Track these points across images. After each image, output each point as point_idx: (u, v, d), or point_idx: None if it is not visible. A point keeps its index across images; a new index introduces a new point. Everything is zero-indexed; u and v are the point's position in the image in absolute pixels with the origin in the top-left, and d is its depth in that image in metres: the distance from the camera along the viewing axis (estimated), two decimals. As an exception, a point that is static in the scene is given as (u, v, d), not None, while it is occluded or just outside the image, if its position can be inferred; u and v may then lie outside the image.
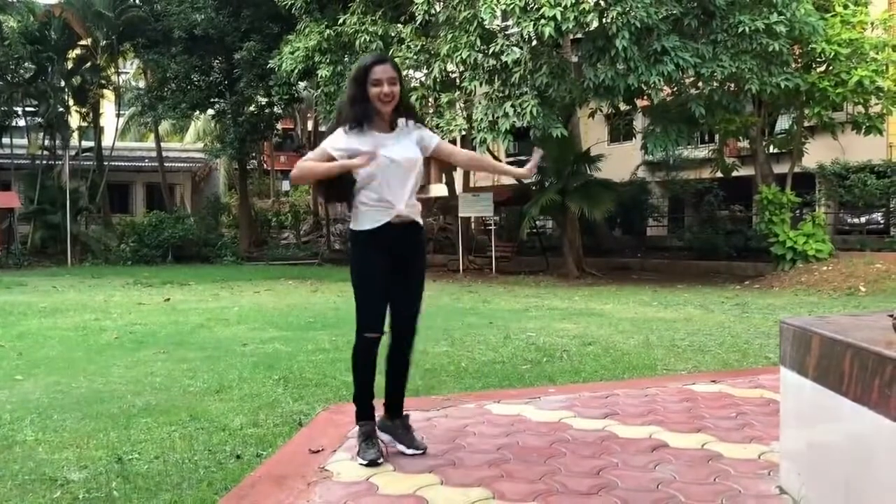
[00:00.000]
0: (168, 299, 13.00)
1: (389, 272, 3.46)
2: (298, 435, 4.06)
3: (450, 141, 17.42)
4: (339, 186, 3.49)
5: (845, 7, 15.74)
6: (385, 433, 3.61)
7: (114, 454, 3.83)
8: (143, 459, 3.75)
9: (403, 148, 3.45)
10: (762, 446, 3.65)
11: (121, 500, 3.20)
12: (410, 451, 3.54)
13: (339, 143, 3.41)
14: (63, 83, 28.22)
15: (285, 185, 49.50)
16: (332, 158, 3.38)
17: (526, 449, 3.68)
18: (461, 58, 15.47)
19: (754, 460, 3.47)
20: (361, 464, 3.38)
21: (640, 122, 23.27)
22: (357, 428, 3.56)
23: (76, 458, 3.79)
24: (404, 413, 3.68)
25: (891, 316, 2.57)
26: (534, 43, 15.73)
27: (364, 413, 3.55)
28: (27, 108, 28.87)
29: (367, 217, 3.43)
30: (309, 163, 3.47)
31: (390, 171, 3.41)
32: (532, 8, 14.48)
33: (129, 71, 36.14)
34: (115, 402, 4.99)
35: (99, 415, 4.66)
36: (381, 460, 3.39)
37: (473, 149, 20.97)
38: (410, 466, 3.40)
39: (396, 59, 16.11)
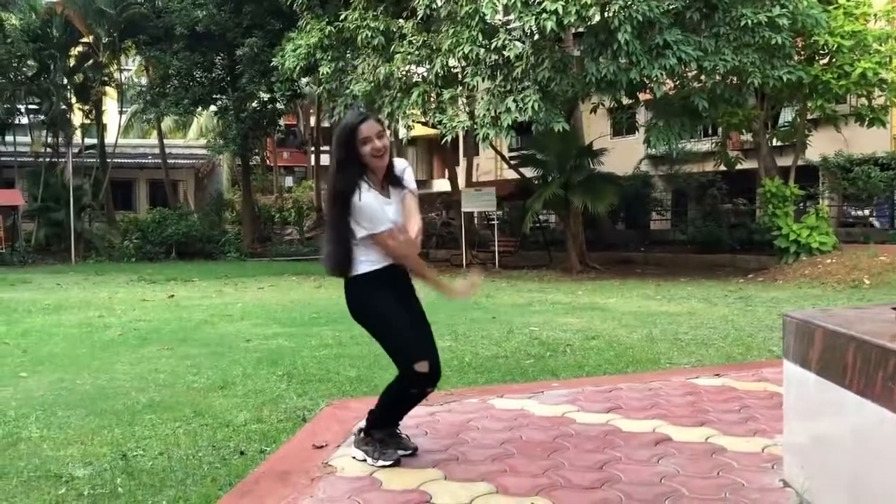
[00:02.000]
0: (172, 296, 13.02)
1: (407, 307, 3.46)
2: (302, 431, 4.07)
3: (452, 138, 17.43)
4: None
5: (848, -1, 15.69)
6: (359, 450, 3.55)
7: (118, 450, 3.84)
8: (147, 456, 3.76)
9: (399, 209, 3.43)
10: (766, 440, 3.65)
11: (125, 497, 3.21)
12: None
13: (361, 194, 3.30)
14: (65, 81, 28.23)
15: (288, 181, 49.56)
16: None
17: (529, 443, 3.68)
18: (463, 53, 15.44)
19: (758, 454, 3.47)
20: (383, 465, 3.34)
21: (642, 116, 23.24)
22: (363, 436, 3.51)
23: (81, 454, 3.80)
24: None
25: (894, 309, 2.57)
26: (535, 37, 15.70)
27: (382, 427, 3.52)
28: (30, 106, 28.90)
29: (373, 259, 3.38)
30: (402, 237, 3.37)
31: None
32: (534, 2, 14.45)
33: (132, 68, 36.13)
34: (119, 399, 5.01)
35: (103, 411, 4.67)
36: (399, 461, 3.40)
37: (476, 145, 21.01)
38: (414, 462, 3.41)
39: (398, 55, 16.37)
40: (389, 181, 3.43)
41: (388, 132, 3.44)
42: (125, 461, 3.67)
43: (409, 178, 3.50)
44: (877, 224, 22.15)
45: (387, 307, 3.39)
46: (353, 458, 3.47)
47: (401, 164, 3.47)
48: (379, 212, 3.30)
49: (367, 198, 3.29)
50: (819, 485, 2.77)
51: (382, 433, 3.47)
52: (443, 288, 3.52)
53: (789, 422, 3.14)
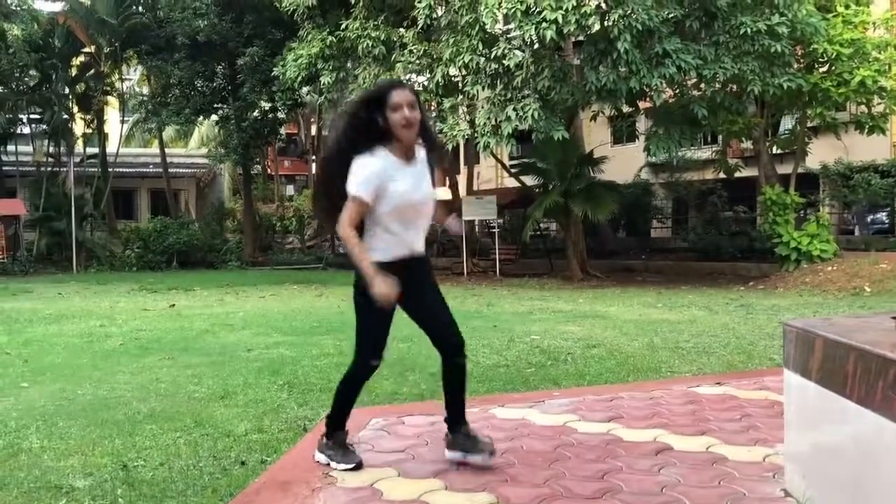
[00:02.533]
0: (173, 305, 13.02)
1: (402, 300, 3.29)
2: (303, 441, 4.06)
3: (453, 146, 17.44)
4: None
5: (847, 7, 15.73)
6: (456, 451, 3.49)
7: (119, 461, 3.83)
8: (148, 466, 3.75)
9: (424, 185, 3.29)
10: (767, 449, 3.64)
11: (126, 507, 3.20)
12: (483, 460, 3.42)
13: (369, 180, 3.16)
14: (67, 90, 28.33)
15: (289, 190, 49.61)
16: (366, 204, 3.18)
17: (530, 453, 3.68)
18: (463, 62, 15.49)
19: (759, 463, 3.47)
20: (346, 469, 3.39)
21: (642, 124, 23.27)
22: (326, 441, 3.54)
23: (81, 465, 3.79)
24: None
25: (894, 318, 2.57)
26: (535, 46, 15.75)
27: (341, 426, 3.55)
28: (32, 116, 29.01)
29: (382, 248, 3.26)
30: (353, 239, 3.19)
31: (409, 213, 3.26)
32: (533, 11, 14.50)
33: (133, 77, 36.24)
34: (120, 409, 5.00)
35: (104, 422, 4.66)
36: (362, 464, 3.44)
37: (477, 153, 21.04)
38: (415, 471, 3.41)
39: (399, 64, 16.42)
40: (423, 156, 3.36)
41: (416, 104, 3.21)
42: (126, 472, 3.67)
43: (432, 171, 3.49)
44: (857, 232, 22.21)
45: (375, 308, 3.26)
46: (318, 461, 3.52)
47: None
48: (373, 177, 3.13)
49: (372, 160, 3.15)
50: (820, 494, 2.77)
51: (341, 436, 3.52)
52: (371, 281, 3.16)
53: (790, 431, 3.13)
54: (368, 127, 3.21)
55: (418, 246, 3.38)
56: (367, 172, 3.17)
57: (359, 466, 3.40)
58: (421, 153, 3.37)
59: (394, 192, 3.20)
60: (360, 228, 3.25)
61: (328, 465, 3.46)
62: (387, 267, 3.20)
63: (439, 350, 3.51)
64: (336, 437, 3.52)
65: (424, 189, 3.31)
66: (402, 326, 3.52)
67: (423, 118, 3.26)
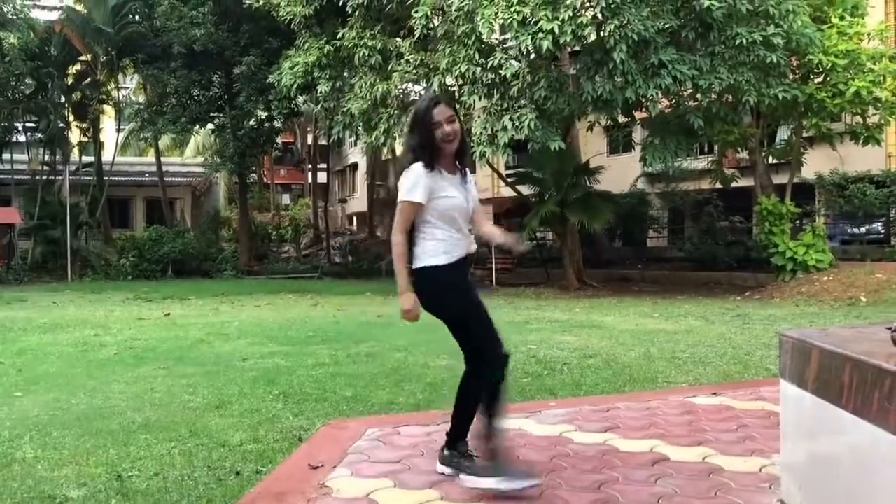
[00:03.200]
0: (168, 314, 12.99)
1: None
2: (298, 451, 4.04)
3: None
4: None
5: (842, 18, 15.81)
6: (448, 467, 3.48)
7: (113, 471, 3.81)
8: (142, 476, 3.74)
9: (468, 194, 3.49)
10: (763, 459, 3.64)
11: (120, 518, 3.19)
12: (472, 482, 3.30)
13: (420, 191, 3.35)
14: (63, 99, 28.34)
15: (285, 199, 49.65)
16: (420, 205, 3.36)
17: (527, 464, 3.66)
18: (460, 72, 15.52)
19: (755, 473, 3.46)
20: (503, 490, 3.16)
21: (639, 134, 23.33)
22: (448, 452, 3.48)
23: (75, 475, 3.77)
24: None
25: (889, 328, 2.57)
26: (532, 56, 15.79)
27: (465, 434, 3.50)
28: (27, 124, 28.98)
29: (447, 252, 3.39)
30: (401, 247, 3.39)
31: (457, 218, 3.43)
32: (530, 22, 14.54)
33: (129, 86, 36.27)
34: (114, 419, 4.98)
35: (98, 431, 4.64)
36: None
37: (474, 163, 21.09)
38: (411, 482, 3.40)
39: (395, 74, 16.43)
40: (466, 167, 3.55)
41: (459, 117, 3.43)
42: (120, 482, 3.65)
43: (473, 189, 3.57)
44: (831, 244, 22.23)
45: (465, 294, 3.47)
46: (442, 473, 3.45)
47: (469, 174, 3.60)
48: (420, 181, 3.32)
49: (418, 169, 3.34)
50: (817, 505, 2.77)
51: (465, 446, 3.46)
52: (401, 291, 3.40)
53: (786, 441, 3.13)
54: (423, 147, 3.39)
55: (472, 247, 3.54)
56: (414, 178, 3.36)
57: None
58: (467, 172, 3.59)
59: (446, 201, 3.39)
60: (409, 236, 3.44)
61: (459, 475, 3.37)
62: (451, 267, 3.39)
63: (481, 359, 3.47)
64: (461, 446, 3.47)
65: (468, 196, 3.50)
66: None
67: (461, 129, 3.45)
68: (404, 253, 3.38)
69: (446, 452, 3.49)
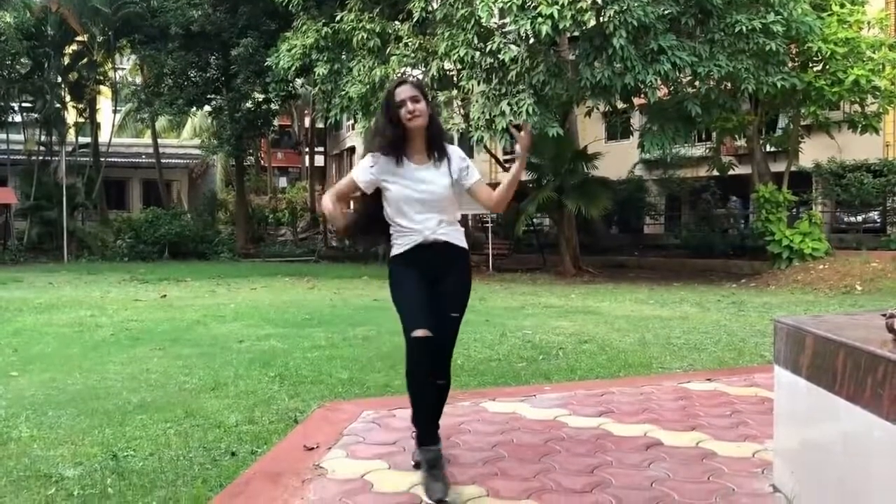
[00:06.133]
0: (164, 296, 12.99)
1: (425, 284, 3.32)
2: (293, 432, 4.06)
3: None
4: (369, 230, 3.56)
5: (842, 6, 15.77)
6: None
7: (109, 451, 3.82)
8: (138, 456, 3.75)
9: (432, 182, 3.32)
10: (756, 445, 3.66)
11: (115, 497, 3.20)
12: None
13: (363, 173, 3.36)
14: (59, 79, 28.16)
15: (282, 182, 49.52)
16: (358, 187, 3.36)
17: (521, 447, 3.68)
18: (458, 56, 15.46)
19: (748, 459, 3.48)
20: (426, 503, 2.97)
21: (637, 121, 23.28)
22: (419, 451, 3.26)
23: (71, 454, 3.78)
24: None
25: (884, 315, 2.58)
26: (531, 41, 15.72)
27: (422, 438, 3.24)
28: (23, 104, 28.83)
29: (398, 243, 3.37)
30: (326, 196, 3.46)
31: (411, 208, 3.33)
32: (529, 6, 14.48)
33: (126, 67, 36.08)
34: (110, 399, 4.99)
35: (94, 411, 4.65)
36: (447, 498, 2.97)
37: (471, 147, 21.06)
38: (405, 464, 3.41)
39: (393, 57, 16.35)
40: (437, 151, 3.36)
41: (426, 99, 3.33)
42: (115, 461, 3.66)
43: (467, 169, 3.39)
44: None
45: (402, 277, 3.36)
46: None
47: (457, 153, 3.43)
48: (365, 169, 3.33)
49: (377, 156, 3.32)
50: (809, 490, 2.78)
51: (426, 453, 3.16)
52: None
53: (780, 427, 3.15)
54: (388, 127, 3.33)
55: (431, 237, 3.33)
56: (366, 159, 3.38)
57: (439, 503, 2.97)
58: (452, 153, 3.42)
59: (393, 191, 3.33)
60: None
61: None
62: (405, 254, 3.35)
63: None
64: (422, 452, 3.22)
65: (430, 187, 3.33)
66: (393, 320, 3.51)
67: (429, 111, 3.34)
68: (322, 200, 3.52)
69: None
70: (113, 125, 32.44)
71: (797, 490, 2.86)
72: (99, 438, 4.07)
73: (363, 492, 3.09)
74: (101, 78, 30.01)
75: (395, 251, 3.39)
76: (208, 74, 27.84)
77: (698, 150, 24.86)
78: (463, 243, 3.44)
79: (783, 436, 3.12)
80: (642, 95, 16.44)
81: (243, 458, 3.71)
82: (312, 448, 3.66)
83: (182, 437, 4.09)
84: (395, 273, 3.39)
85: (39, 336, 8.12)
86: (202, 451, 3.82)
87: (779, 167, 18.65)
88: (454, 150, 3.44)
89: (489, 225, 23.16)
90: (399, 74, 17.09)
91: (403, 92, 3.29)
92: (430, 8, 16.04)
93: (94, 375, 5.84)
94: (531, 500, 2.97)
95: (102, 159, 29.64)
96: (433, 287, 3.34)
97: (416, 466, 3.31)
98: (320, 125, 36.80)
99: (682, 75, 15.89)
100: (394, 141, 3.31)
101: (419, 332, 3.14)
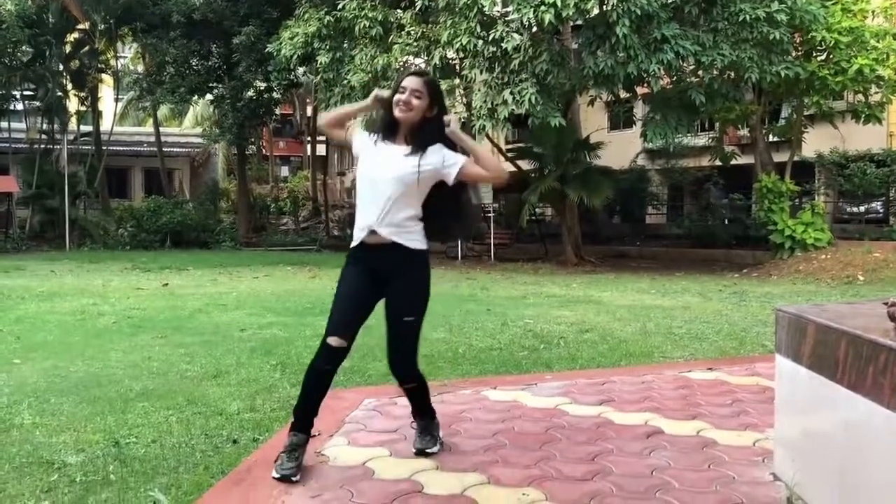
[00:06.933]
0: (166, 284, 13.00)
1: (370, 285, 3.29)
2: (295, 420, 4.06)
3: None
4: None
5: (846, -5, 15.70)
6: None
7: (111, 438, 3.83)
8: (140, 443, 3.76)
9: (393, 165, 3.21)
10: (757, 433, 3.67)
11: (118, 484, 3.21)
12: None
13: (358, 133, 3.42)
14: (61, 67, 28.11)
15: (284, 171, 49.49)
16: (349, 132, 3.47)
17: (522, 435, 3.69)
18: (461, 44, 15.40)
19: (749, 447, 3.49)
20: (274, 476, 3.09)
21: (640, 110, 23.23)
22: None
23: (73, 441, 3.79)
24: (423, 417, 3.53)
25: (886, 304, 2.57)
26: (534, 30, 15.67)
27: (295, 423, 3.27)
28: (25, 92, 28.77)
29: (354, 233, 3.35)
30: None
31: (365, 187, 3.27)
32: (532, -6, 14.41)
33: (128, 55, 36.00)
34: (112, 387, 5.00)
35: (96, 399, 4.66)
36: (294, 478, 3.08)
37: (473, 136, 21.01)
38: (407, 451, 3.42)
39: (396, 46, 16.29)
40: (417, 143, 3.25)
41: (434, 101, 3.29)
42: (118, 448, 3.67)
43: (443, 160, 3.23)
44: None
45: (343, 279, 3.36)
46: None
47: (435, 149, 3.25)
48: (358, 129, 3.41)
49: (363, 136, 3.37)
50: (809, 478, 2.79)
51: (292, 438, 3.22)
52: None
53: (780, 416, 3.15)
54: (381, 110, 3.37)
55: (377, 226, 3.22)
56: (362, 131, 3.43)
57: (283, 479, 3.08)
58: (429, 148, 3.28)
59: (360, 166, 3.32)
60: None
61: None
62: (353, 251, 3.34)
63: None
64: (290, 436, 3.25)
65: (391, 172, 3.22)
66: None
67: (434, 115, 3.29)
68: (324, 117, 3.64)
69: None
70: (115, 113, 32.40)
71: (798, 478, 2.86)
72: (101, 425, 4.08)
73: (365, 479, 3.10)
74: (103, 66, 29.94)
75: (352, 242, 3.36)
76: (210, 63, 27.76)
77: (701, 140, 24.83)
78: (417, 245, 3.26)
79: (784, 424, 3.12)
80: (645, 85, 16.41)
81: (245, 445, 3.72)
82: (314, 435, 3.66)
83: (184, 424, 4.10)
84: (344, 268, 3.38)
85: (42, 324, 8.13)
86: (204, 438, 3.83)
87: (782, 157, 18.61)
88: (434, 148, 3.25)
89: (491, 214, 23.13)
90: (402, 63, 17.06)
91: (410, 82, 3.26)
92: (432, -5, 15.97)
93: (97, 363, 5.86)
94: (532, 488, 2.98)
95: (104, 148, 29.61)
96: (385, 287, 3.28)
97: (418, 454, 3.36)
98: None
99: (685, 64, 15.85)
100: (381, 122, 3.33)
101: (332, 341, 3.23)
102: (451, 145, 3.31)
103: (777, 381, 3.17)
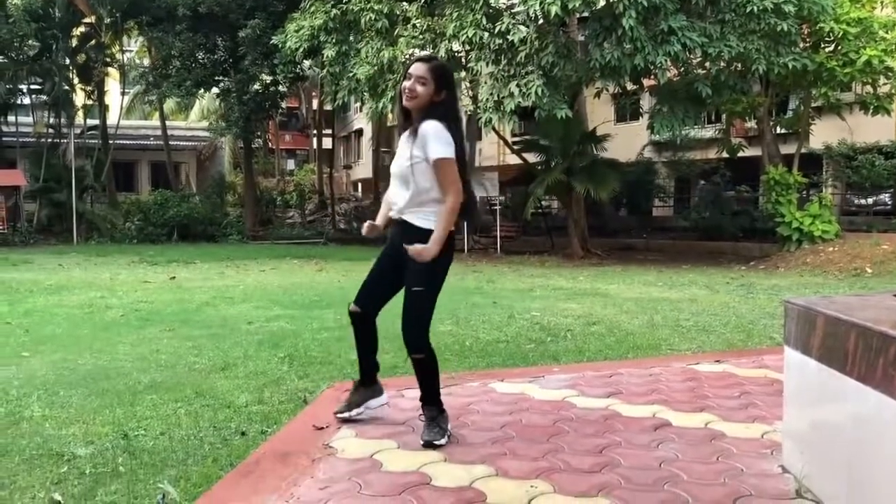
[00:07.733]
0: (173, 277, 13.03)
1: (392, 260, 3.57)
2: (303, 412, 4.08)
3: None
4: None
5: (855, -15, 15.59)
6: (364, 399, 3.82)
7: (120, 430, 3.85)
8: (148, 436, 3.77)
9: (400, 152, 3.47)
10: (765, 426, 3.66)
11: (127, 476, 3.22)
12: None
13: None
14: (68, 61, 28.15)
15: (290, 165, 49.53)
16: None
17: (529, 427, 3.69)
18: (467, 37, 15.36)
19: (757, 440, 3.48)
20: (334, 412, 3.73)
21: (646, 102, 23.15)
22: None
23: (82, 433, 3.81)
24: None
25: (895, 296, 2.56)
26: (540, 22, 15.62)
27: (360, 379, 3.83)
28: (32, 86, 28.85)
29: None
30: None
31: (395, 175, 3.52)
32: (538, -14, 14.36)
33: (134, 49, 36.03)
34: (120, 379, 5.02)
35: (105, 391, 4.68)
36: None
37: (479, 129, 20.98)
38: (414, 444, 3.42)
39: (402, 39, 16.26)
40: (413, 127, 3.39)
41: (430, 80, 3.34)
42: (126, 441, 3.69)
43: (423, 145, 3.31)
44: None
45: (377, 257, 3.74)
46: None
47: (423, 127, 3.32)
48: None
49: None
50: (818, 471, 2.78)
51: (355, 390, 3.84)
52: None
53: (789, 408, 3.14)
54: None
55: (397, 208, 3.50)
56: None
57: (428, 445, 3.41)
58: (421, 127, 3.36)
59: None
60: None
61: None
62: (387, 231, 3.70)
63: None
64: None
65: (397, 161, 3.49)
66: (401, 302, 3.51)
67: (443, 99, 3.38)
68: None
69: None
70: (121, 107, 32.44)
71: (806, 471, 2.85)
72: (110, 418, 4.09)
73: (372, 471, 3.11)
74: (109, 60, 29.98)
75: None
76: (216, 56, 27.76)
77: (708, 132, 24.73)
78: (424, 224, 3.40)
79: (792, 417, 3.11)
80: (652, 77, 16.34)
81: (253, 437, 3.73)
82: (322, 428, 3.68)
83: (192, 416, 4.11)
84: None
85: (50, 317, 8.17)
86: (212, 430, 3.85)
87: (789, 149, 18.53)
88: (424, 125, 3.32)
89: (497, 207, 23.12)
90: (408, 56, 17.02)
91: (414, 69, 3.36)
92: (438, -13, 15.94)
93: (105, 356, 5.88)
94: (540, 480, 2.98)
95: (111, 141, 29.67)
96: (403, 262, 3.48)
97: (425, 446, 3.36)
98: (328, 107, 36.72)
99: (692, 56, 15.78)
100: (400, 114, 3.48)
101: (351, 307, 3.69)
102: (453, 128, 3.38)
103: (786, 374, 3.17)
